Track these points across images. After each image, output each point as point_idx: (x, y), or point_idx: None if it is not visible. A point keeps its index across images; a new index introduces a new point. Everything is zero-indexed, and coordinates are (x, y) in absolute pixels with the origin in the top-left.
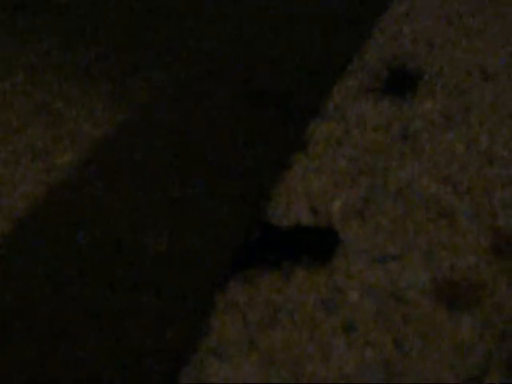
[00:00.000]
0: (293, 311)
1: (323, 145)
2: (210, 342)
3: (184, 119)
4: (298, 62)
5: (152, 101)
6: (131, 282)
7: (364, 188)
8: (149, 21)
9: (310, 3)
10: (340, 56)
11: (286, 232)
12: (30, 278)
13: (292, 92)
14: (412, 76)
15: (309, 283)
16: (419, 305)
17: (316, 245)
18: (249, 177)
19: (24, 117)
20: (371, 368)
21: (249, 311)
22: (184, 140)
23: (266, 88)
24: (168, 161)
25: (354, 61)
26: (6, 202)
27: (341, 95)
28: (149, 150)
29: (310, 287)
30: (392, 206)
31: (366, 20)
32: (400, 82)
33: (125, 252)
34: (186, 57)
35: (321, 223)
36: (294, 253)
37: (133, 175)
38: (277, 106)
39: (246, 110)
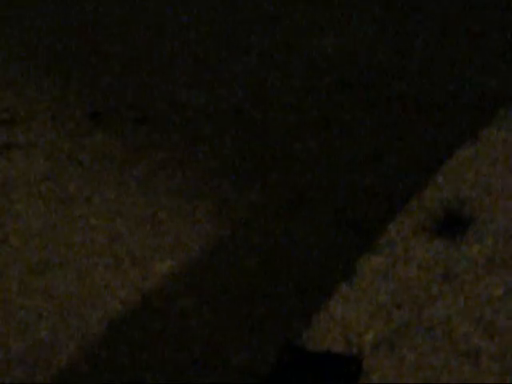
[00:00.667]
0: None
1: (369, 278)
2: None
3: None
4: None
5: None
6: None
7: (397, 322)
8: None
9: None
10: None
11: (315, 356)
12: None
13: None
14: (465, 219)
15: None
16: None
17: (343, 372)
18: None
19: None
20: None
21: None
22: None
23: None
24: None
25: (413, 200)
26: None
27: (395, 232)
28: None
29: None
30: (421, 341)
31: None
32: (453, 225)
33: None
34: None
35: (352, 352)
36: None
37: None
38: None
39: None
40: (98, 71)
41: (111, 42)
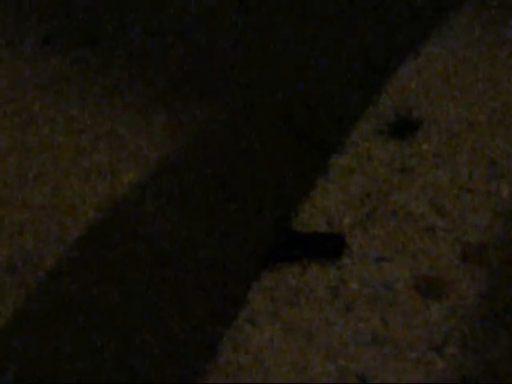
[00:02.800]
0: (308, 294)
1: (340, 174)
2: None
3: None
4: None
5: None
6: None
7: (368, 208)
8: None
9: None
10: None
11: (306, 236)
12: None
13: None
14: (413, 123)
15: (321, 274)
16: (402, 293)
17: (330, 247)
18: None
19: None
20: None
21: (275, 293)
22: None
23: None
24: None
25: (368, 108)
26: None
27: (357, 135)
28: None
29: (322, 277)
30: (388, 222)
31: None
32: (404, 128)
33: None
34: None
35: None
36: (311, 252)
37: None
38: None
39: None
40: None
41: None
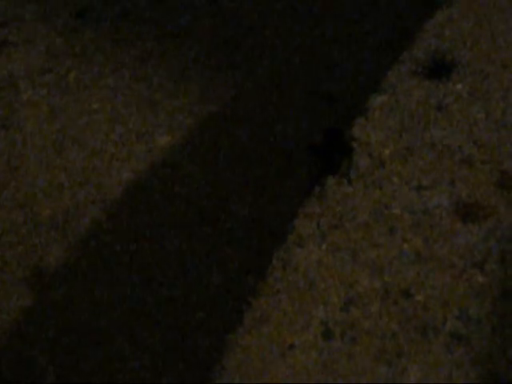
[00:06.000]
0: (352, 218)
1: (379, 111)
2: (293, 237)
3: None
4: None
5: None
6: None
7: (407, 141)
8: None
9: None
10: None
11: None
12: None
13: None
14: (448, 65)
15: (365, 199)
16: (442, 217)
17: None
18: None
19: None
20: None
21: (320, 218)
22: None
23: None
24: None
25: (404, 52)
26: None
27: (394, 77)
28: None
29: (366, 203)
30: (426, 154)
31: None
32: (439, 70)
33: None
34: None
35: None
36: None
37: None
38: None
39: None
40: None
41: None
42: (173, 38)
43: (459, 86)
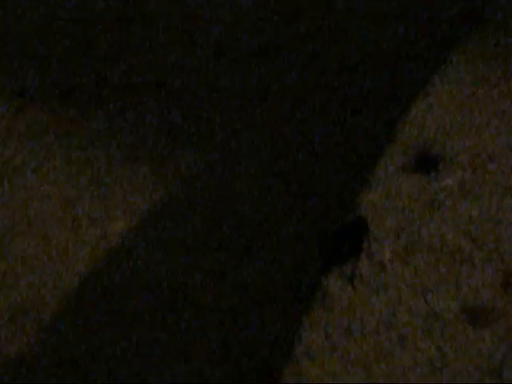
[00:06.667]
0: (360, 326)
1: (371, 210)
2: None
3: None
4: None
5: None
6: None
7: (404, 241)
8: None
9: None
10: None
11: None
12: None
13: None
14: (435, 158)
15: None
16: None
17: None
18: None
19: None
20: None
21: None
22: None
23: None
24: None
25: (389, 146)
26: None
27: (383, 172)
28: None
29: (371, 311)
30: (426, 254)
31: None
32: (426, 163)
33: None
34: None
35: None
36: None
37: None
38: None
39: None
40: None
41: None
42: (119, 117)
43: (449, 181)
